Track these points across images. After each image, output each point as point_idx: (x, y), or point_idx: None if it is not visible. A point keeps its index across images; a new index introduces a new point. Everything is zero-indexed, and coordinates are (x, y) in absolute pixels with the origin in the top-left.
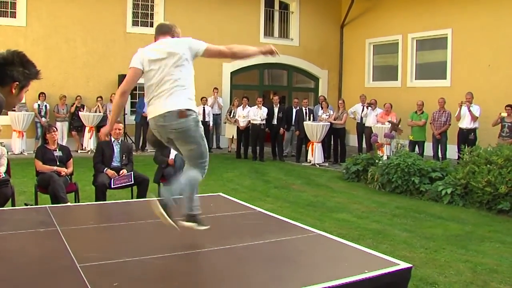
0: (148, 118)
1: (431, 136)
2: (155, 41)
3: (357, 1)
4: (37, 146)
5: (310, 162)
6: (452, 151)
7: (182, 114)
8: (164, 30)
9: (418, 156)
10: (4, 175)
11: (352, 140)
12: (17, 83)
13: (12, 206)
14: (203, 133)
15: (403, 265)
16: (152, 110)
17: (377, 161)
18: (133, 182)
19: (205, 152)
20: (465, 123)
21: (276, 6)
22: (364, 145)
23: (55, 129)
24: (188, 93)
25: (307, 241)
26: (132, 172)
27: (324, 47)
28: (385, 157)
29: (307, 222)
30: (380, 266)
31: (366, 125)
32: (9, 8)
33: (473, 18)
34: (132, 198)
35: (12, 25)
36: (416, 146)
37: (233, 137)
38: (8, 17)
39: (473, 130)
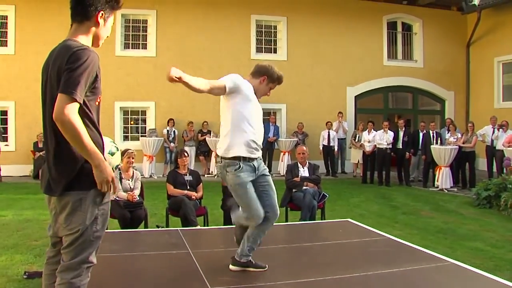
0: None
1: None
2: None
3: (484, 19)
4: (169, 171)
5: (437, 187)
6: None
7: None
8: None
9: None
10: (138, 198)
11: (481, 164)
12: (102, 12)
13: (145, 227)
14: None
15: None
16: None
17: (510, 186)
18: None
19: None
20: None
21: (399, 28)
22: (494, 169)
23: (187, 154)
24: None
25: (441, 270)
26: None
27: (450, 68)
28: None
29: (438, 250)
30: None
31: (497, 148)
32: (140, 40)
33: None
34: None
35: (143, 56)
36: None
37: (358, 161)
38: (140, 48)
39: None
